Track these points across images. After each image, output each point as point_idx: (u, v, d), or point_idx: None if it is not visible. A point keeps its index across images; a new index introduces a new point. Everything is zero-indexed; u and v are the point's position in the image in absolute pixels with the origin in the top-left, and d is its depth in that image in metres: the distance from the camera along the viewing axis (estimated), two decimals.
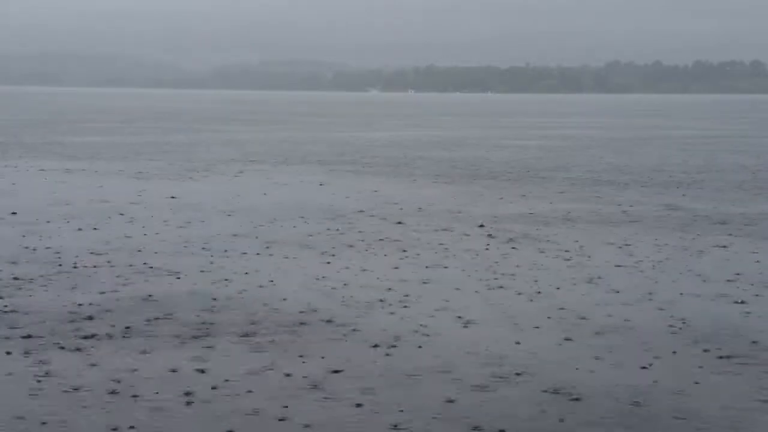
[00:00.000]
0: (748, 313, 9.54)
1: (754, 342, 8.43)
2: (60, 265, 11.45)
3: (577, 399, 6.84)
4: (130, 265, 11.45)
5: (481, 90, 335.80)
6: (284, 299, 9.81)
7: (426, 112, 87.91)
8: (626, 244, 13.39)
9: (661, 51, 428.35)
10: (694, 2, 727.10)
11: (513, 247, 13.06)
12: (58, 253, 12.22)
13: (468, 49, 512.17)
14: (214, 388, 6.98)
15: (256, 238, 13.61)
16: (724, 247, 13.34)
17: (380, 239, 13.66)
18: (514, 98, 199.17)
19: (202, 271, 11.17)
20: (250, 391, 6.93)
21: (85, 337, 8.26)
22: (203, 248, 12.69)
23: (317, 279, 10.86)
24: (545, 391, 6.99)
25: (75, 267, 11.33)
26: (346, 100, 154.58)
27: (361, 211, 16.51)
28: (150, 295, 9.89)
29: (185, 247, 12.81)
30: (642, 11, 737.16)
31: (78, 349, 7.90)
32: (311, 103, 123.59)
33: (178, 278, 10.79)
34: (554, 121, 64.30)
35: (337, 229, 14.44)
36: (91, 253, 12.23)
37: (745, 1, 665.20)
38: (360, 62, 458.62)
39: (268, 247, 12.86)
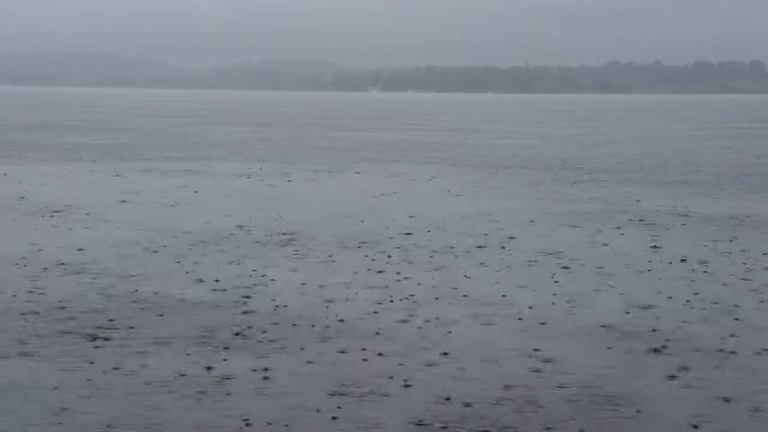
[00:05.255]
0: None
1: None
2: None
3: None
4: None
5: (482, 90, 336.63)
6: None
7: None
8: None
9: (661, 51, 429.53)
10: (694, 2, 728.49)
11: None
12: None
13: (468, 49, 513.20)
14: None
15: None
16: None
17: None
18: (517, 98, 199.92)
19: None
20: None
21: None
22: None
23: None
24: None
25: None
26: (360, 100, 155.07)
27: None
28: None
29: None
30: (642, 11, 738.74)
31: None
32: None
33: None
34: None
35: None
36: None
37: (745, 1, 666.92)
38: (360, 62, 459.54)
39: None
